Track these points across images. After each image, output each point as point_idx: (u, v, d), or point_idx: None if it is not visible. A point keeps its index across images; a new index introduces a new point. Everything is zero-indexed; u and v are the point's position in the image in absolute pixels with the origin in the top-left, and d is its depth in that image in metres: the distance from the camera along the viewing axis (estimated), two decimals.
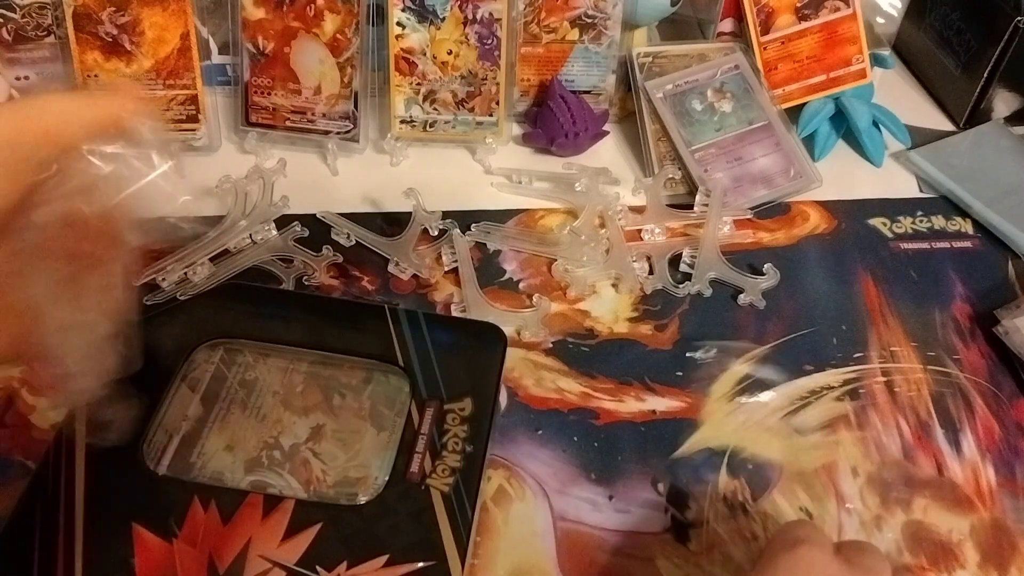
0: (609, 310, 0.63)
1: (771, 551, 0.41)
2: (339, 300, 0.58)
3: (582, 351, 0.60)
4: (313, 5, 0.70)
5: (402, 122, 0.74)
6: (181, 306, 0.49)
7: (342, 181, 0.72)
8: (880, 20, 0.90)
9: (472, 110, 0.74)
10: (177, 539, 0.40)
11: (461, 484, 0.44)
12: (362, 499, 0.43)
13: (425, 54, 0.72)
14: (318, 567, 0.39)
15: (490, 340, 0.52)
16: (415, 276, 0.64)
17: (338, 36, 0.71)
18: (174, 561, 0.40)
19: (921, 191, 0.75)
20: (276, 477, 0.44)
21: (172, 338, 0.47)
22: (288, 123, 0.73)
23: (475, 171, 0.74)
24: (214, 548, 0.40)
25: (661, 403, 0.57)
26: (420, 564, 0.41)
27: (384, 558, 0.40)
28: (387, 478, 0.43)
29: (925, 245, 0.70)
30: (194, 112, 0.72)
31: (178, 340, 0.47)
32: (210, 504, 0.41)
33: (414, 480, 0.43)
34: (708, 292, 0.64)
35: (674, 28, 0.83)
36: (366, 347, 0.48)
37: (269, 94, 0.72)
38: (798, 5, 0.77)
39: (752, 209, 0.70)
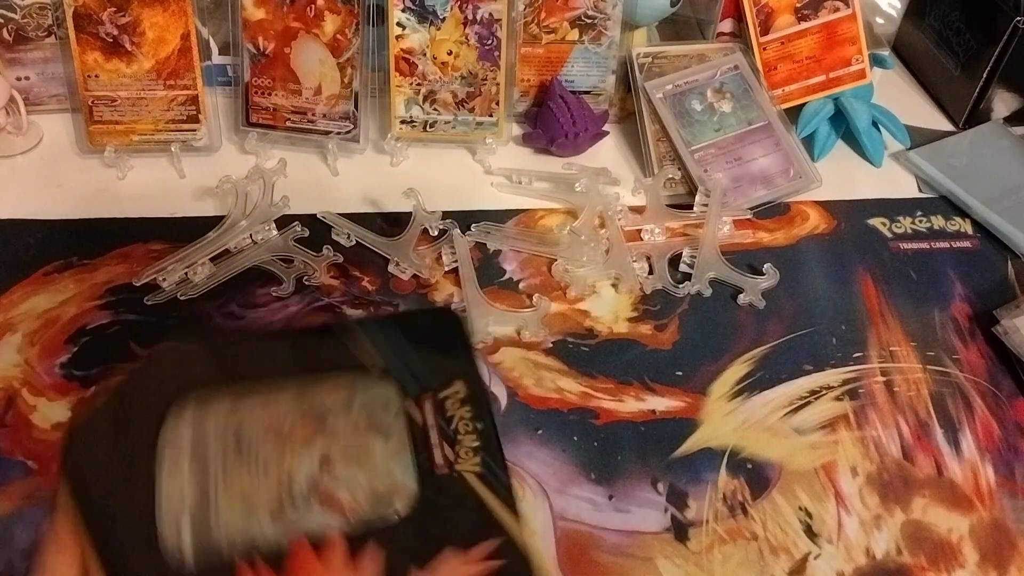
0: (609, 310, 0.63)
1: None
2: (286, 329, 0.55)
3: (582, 351, 0.60)
4: (313, 6, 0.70)
5: (402, 122, 0.74)
6: (134, 382, 0.44)
7: (342, 181, 0.72)
8: (880, 20, 0.90)
9: (472, 110, 0.74)
10: None
11: (488, 459, 0.43)
12: (402, 507, 0.42)
13: (425, 54, 0.72)
14: None
15: (448, 322, 0.51)
16: (415, 276, 0.64)
17: (338, 36, 0.71)
18: None
19: (921, 191, 0.75)
20: (309, 517, 0.42)
21: (136, 417, 0.43)
22: (288, 123, 0.73)
23: (475, 171, 0.74)
24: None
25: (661, 403, 0.57)
26: (493, 546, 0.40)
27: (451, 551, 0.40)
28: (416, 479, 0.43)
29: (925, 245, 0.70)
30: (195, 112, 0.72)
31: (142, 417, 0.43)
32: (259, 570, 0.40)
33: (443, 471, 0.42)
34: (708, 292, 0.64)
35: (674, 28, 0.83)
36: (336, 363, 0.46)
37: (269, 94, 0.72)
38: (798, 5, 0.77)
39: (752, 209, 0.71)
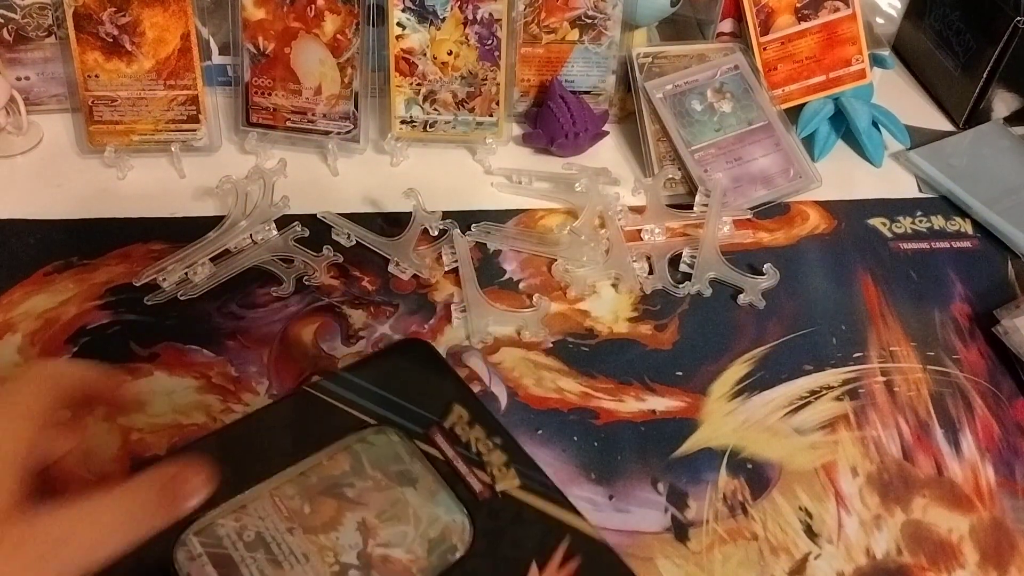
0: (609, 310, 0.63)
1: None
2: (251, 416, 0.50)
3: (582, 351, 0.60)
4: (313, 6, 0.70)
5: (402, 122, 0.74)
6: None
7: (342, 181, 0.72)
8: (880, 20, 0.90)
9: (472, 110, 0.74)
10: None
11: (522, 468, 0.42)
12: (461, 544, 0.40)
13: (425, 54, 0.72)
14: None
15: (418, 350, 0.50)
16: (415, 276, 0.64)
17: (338, 36, 0.71)
18: None
19: (921, 191, 0.75)
20: None
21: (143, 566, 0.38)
22: (288, 123, 0.73)
23: (475, 171, 0.74)
24: None
25: (661, 403, 0.57)
26: (565, 547, 0.40)
27: (534, 567, 0.39)
28: (464, 512, 0.41)
29: (925, 245, 0.70)
30: (195, 112, 0.72)
31: (149, 563, 0.38)
32: None
33: (486, 496, 0.41)
34: (708, 292, 0.64)
35: (674, 28, 0.83)
36: (325, 433, 0.42)
37: (270, 94, 0.72)
38: (798, 5, 0.77)
39: (752, 209, 0.71)
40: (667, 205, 0.70)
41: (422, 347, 0.47)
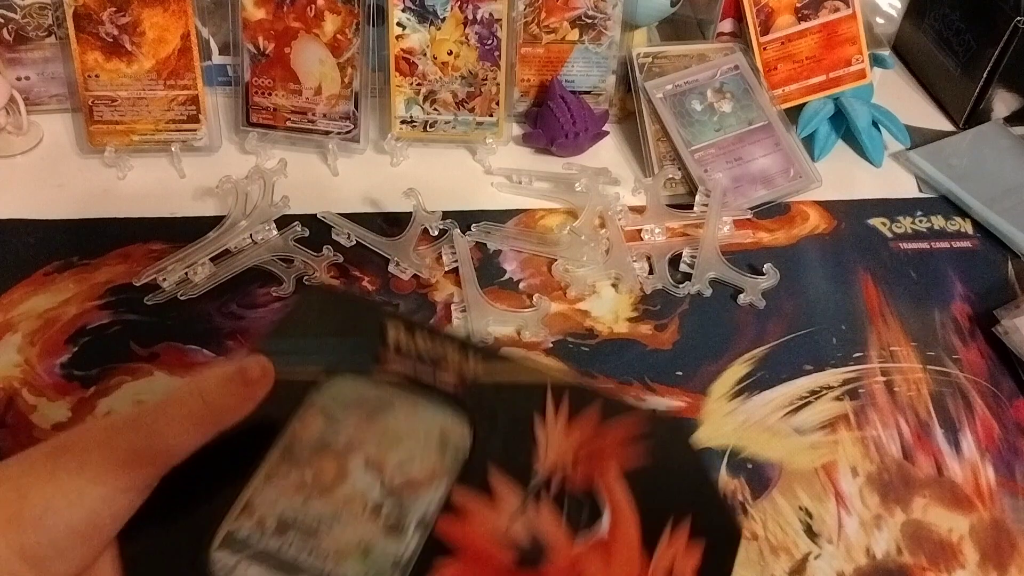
0: (609, 310, 0.63)
1: None
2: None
3: (582, 351, 0.60)
4: (313, 6, 0.70)
5: (402, 122, 0.74)
6: None
7: (342, 181, 0.72)
8: (880, 20, 0.90)
9: (472, 110, 0.74)
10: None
11: (477, 350, 0.39)
12: (467, 438, 0.38)
13: (425, 54, 0.72)
14: None
15: (317, 295, 0.45)
16: (415, 276, 0.64)
17: (338, 36, 0.71)
18: None
19: (921, 191, 0.75)
20: (414, 508, 0.37)
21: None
22: (289, 123, 0.73)
23: (475, 171, 0.74)
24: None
25: (661, 403, 0.57)
26: (551, 394, 0.38)
27: (538, 420, 0.38)
28: (452, 411, 0.39)
29: (925, 245, 0.70)
30: (195, 112, 0.72)
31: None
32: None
33: (462, 388, 0.39)
34: (708, 292, 0.64)
35: (674, 28, 0.83)
36: (283, 407, 0.39)
37: (270, 94, 0.72)
38: (798, 5, 0.77)
39: (752, 209, 0.71)
40: (667, 205, 0.70)
41: (318, 292, 0.45)
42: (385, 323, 0.41)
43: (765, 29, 0.77)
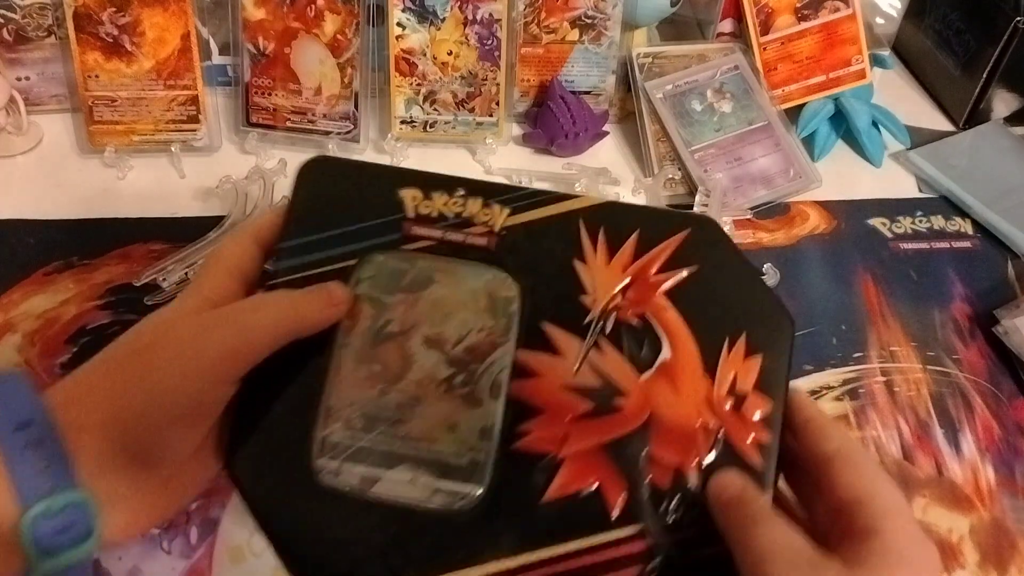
0: None
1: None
2: None
3: None
4: (313, 6, 0.70)
5: (402, 122, 0.74)
6: None
7: None
8: (880, 20, 0.90)
9: (472, 110, 0.74)
10: None
11: (500, 198, 0.41)
12: (514, 292, 0.38)
13: (425, 54, 0.72)
14: None
15: (319, 168, 0.42)
16: None
17: (338, 36, 0.71)
18: None
19: (921, 191, 0.75)
20: (491, 373, 0.38)
21: None
22: (288, 123, 0.73)
23: (475, 171, 0.74)
24: None
25: None
26: (584, 228, 0.38)
27: (577, 263, 0.38)
28: (491, 267, 0.39)
29: (925, 245, 0.70)
30: (195, 112, 0.72)
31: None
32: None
33: (495, 243, 0.39)
34: None
35: (674, 28, 0.83)
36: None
37: (270, 94, 0.72)
38: (798, 5, 0.77)
39: (752, 209, 0.71)
40: (667, 205, 0.70)
41: (320, 165, 0.43)
42: (397, 192, 0.41)
43: (765, 29, 0.77)
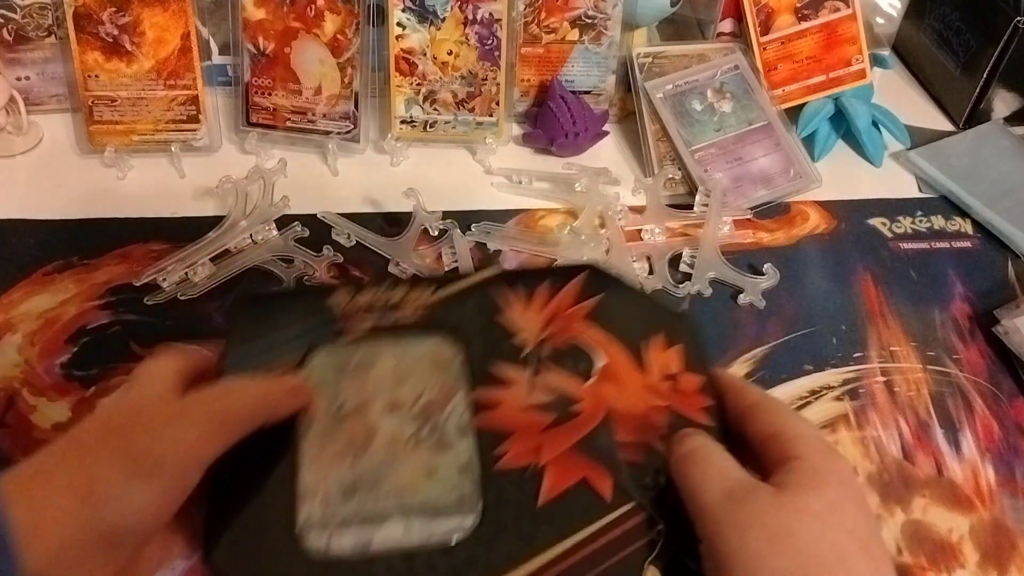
0: None
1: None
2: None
3: None
4: (313, 5, 0.70)
5: (402, 122, 0.74)
6: None
7: (342, 181, 0.72)
8: (880, 20, 0.90)
9: (472, 110, 0.74)
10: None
11: (425, 279, 0.45)
12: (460, 350, 0.42)
13: (425, 54, 0.72)
14: None
15: (248, 303, 0.45)
16: (415, 276, 0.64)
17: (338, 36, 0.71)
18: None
19: (921, 191, 0.75)
20: (450, 426, 0.40)
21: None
22: (288, 123, 0.73)
23: (475, 171, 0.74)
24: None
25: None
26: (502, 286, 0.43)
27: (505, 314, 0.43)
28: (430, 336, 0.43)
29: (925, 245, 0.70)
30: (195, 112, 0.72)
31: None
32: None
33: (430, 315, 0.43)
34: (708, 292, 0.64)
35: (674, 28, 0.83)
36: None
37: (270, 94, 0.72)
38: (798, 5, 0.77)
39: (752, 209, 0.71)
40: (667, 205, 0.70)
41: (246, 302, 0.45)
42: (326, 302, 0.43)
43: (765, 29, 0.77)
